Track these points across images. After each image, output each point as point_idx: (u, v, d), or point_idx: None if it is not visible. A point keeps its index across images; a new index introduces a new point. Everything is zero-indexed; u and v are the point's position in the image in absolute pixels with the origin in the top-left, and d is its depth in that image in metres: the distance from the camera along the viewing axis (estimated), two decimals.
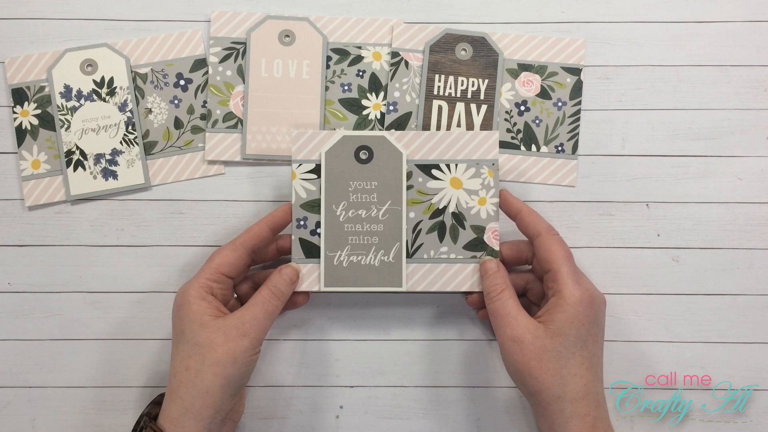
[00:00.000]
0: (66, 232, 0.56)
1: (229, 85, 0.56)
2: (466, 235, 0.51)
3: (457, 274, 0.51)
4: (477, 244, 0.51)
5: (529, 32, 0.57)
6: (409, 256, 0.51)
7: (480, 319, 0.56)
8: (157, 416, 0.47)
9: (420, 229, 0.51)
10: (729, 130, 0.57)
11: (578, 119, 0.57)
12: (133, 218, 0.56)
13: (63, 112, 0.56)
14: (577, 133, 0.56)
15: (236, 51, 0.56)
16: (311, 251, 0.51)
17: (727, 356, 0.56)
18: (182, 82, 0.56)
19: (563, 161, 0.56)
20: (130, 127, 0.56)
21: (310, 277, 0.51)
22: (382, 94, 0.57)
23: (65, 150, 0.55)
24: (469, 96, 0.56)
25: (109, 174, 0.56)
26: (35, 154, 0.56)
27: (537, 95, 0.57)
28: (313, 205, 0.51)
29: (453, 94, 0.56)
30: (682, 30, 0.57)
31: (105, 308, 0.56)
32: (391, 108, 0.56)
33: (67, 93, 0.56)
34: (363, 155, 0.51)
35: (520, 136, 0.56)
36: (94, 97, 0.56)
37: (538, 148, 0.56)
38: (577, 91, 0.57)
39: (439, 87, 0.56)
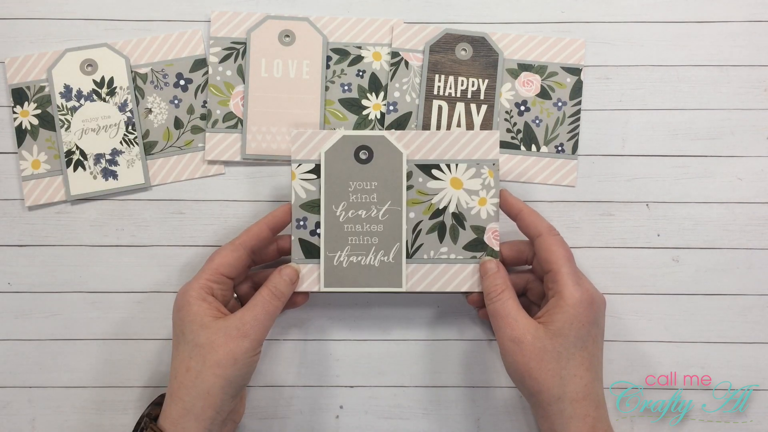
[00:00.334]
0: (66, 232, 0.56)
1: (229, 85, 0.56)
2: (466, 236, 0.51)
3: (457, 275, 0.51)
4: (477, 245, 0.51)
5: (529, 32, 0.57)
6: (409, 256, 0.51)
7: (480, 319, 0.56)
8: (158, 417, 0.47)
9: (420, 230, 0.51)
10: (729, 130, 0.57)
11: (578, 119, 0.57)
12: (133, 218, 0.56)
13: (63, 112, 0.56)
14: (577, 133, 0.56)
15: (236, 51, 0.56)
16: (311, 251, 0.51)
17: (727, 356, 0.56)
18: (182, 82, 0.56)
19: (563, 161, 0.56)
20: (130, 127, 0.56)
21: (310, 277, 0.51)
22: (382, 94, 0.57)
23: (65, 150, 0.55)
24: (469, 96, 0.56)
25: (109, 174, 0.56)
26: (35, 154, 0.56)
27: (537, 95, 0.57)
28: (312, 206, 0.51)
29: (453, 94, 0.56)
30: (682, 30, 0.57)
31: (105, 308, 0.56)
32: (391, 108, 0.56)
33: (67, 93, 0.56)
34: (363, 155, 0.51)
35: (520, 136, 0.56)
36: (94, 97, 0.56)
37: (538, 148, 0.56)
38: (577, 91, 0.57)
39: (439, 87, 0.56)
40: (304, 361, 0.56)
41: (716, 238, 0.56)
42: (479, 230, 0.51)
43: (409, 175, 0.51)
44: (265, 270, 0.53)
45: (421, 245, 0.51)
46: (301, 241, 0.51)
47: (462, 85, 0.56)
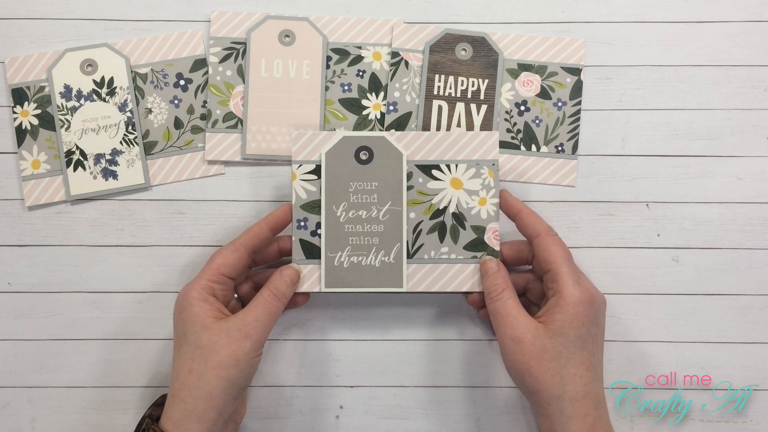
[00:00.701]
0: (66, 232, 0.56)
1: (229, 85, 0.56)
2: (467, 236, 0.51)
3: (457, 275, 0.51)
4: (477, 245, 0.51)
5: (529, 32, 0.57)
6: (409, 256, 0.51)
7: (480, 319, 0.56)
8: (159, 418, 0.47)
9: (420, 230, 0.51)
10: (729, 130, 0.57)
11: (578, 119, 0.57)
12: (133, 218, 0.56)
13: (63, 112, 0.56)
14: (577, 133, 0.56)
15: (236, 51, 0.56)
16: (312, 252, 0.51)
17: (727, 356, 0.56)
18: (182, 82, 0.56)
19: (563, 161, 0.56)
20: (130, 127, 0.56)
21: (311, 277, 0.51)
22: (382, 94, 0.57)
23: (65, 150, 0.55)
24: (469, 96, 0.56)
25: (109, 174, 0.56)
26: (35, 154, 0.56)
27: (537, 95, 0.57)
28: (313, 206, 0.51)
29: (453, 94, 0.56)
30: (682, 30, 0.57)
31: (105, 308, 0.56)
32: (391, 108, 0.56)
33: (67, 93, 0.56)
34: (363, 156, 0.51)
35: (520, 136, 0.56)
36: (94, 97, 0.56)
37: (538, 148, 0.56)
38: (577, 91, 0.57)
39: (439, 87, 0.56)
40: (304, 361, 0.56)
41: (716, 238, 0.56)
42: (479, 230, 0.51)
43: (410, 176, 0.51)
44: (266, 270, 0.53)
45: (421, 245, 0.51)
46: (302, 242, 0.51)
47: (462, 85, 0.56)
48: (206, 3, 0.57)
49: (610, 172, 0.57)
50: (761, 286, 0.56)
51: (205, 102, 0.56)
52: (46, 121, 0.56)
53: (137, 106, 0.56)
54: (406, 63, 0.56)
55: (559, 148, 0.56)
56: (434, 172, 0.51)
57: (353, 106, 0.56)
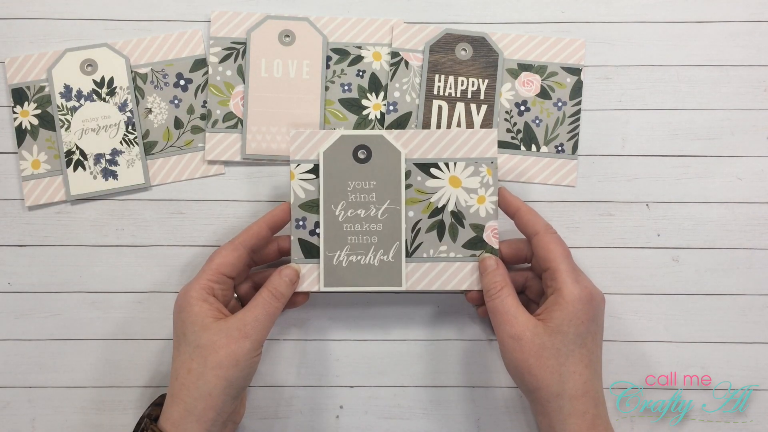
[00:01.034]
0: (66, 232, 0.56)
1: (229, 85, 0.56)
2: (466, 234, 0.51)
3: (456, 273, 0.51)
4: (476, 243, 0.51)
5: (529, 32, 0.57)
6: (408, 255, 0.51)
7: (479, 319, 0.56)
8: (158, 418, 0.47)
9: (419, 228, 0.51)
10: (729, 130, 0.57)
11: (578, 119, 0.57)
12: (133, 218, 0.56)
13: (63, 112, 0.56)
14: (577, 133, 0.56)
15: (236, 51, 0.56)
16: (310, 251, 0.51)
17: (727, 356, 0.56)
18: (182, 82, 0.56)
19: (563, 161, 0.56)
20: (130, 127, 0.56)
21: (310, 277, 0.51)
22: (382, 94, 0.57)
23: (65, 150, 0.55)
24: (469, 96, 0.56)
25: (109, 174, 0.56)
26: (35, 154, 0.56)
27: (537, 95, 0.57)
28: (311, 205, 0.51)
29: (453, 94, 0.56)
30: (682, 30, 0.57)
31: (105, 308, 0.56)
32: (391, 108, 0.56)
33: (67, 93, 0.56)
34: (361, 155, 0.51)
35: (520, 136, 0.56)
36: (94, 97, 0.56)
37: (538, 148, 0.56)
38: (577, 91, 0.57)
39: (439, 87, 0.56)
40: (304, 361, 0.56)
41: (716, 238, 0.56)
42: (478, 228, 0.51)
43: (408, 174, 0.51)
44: (266, 270, 0.53)
45: (420, 244, 0.51)
46: (301, 241, 0.51)
47: (462, 85, 0.56)
48: (206, 3, 0.57)
49: (610, 172, 0.57)
50: (761, 286, 0.56)
51: (205, 102, 0.56)
52: (46, 121, 0.56)
53: (137, 106, 0.56)
54: (406, 63, 0.56)
55: (559, 148, 0.56)
56: (433, 170, 0.51)
57: (353, 106, 0.56)
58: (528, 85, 0.57)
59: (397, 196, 0.51)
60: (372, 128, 0.56)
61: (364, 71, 0.57)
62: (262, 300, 0.48)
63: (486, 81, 0.56)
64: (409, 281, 0.51)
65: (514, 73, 0.57)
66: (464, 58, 0.56)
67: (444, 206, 0.51)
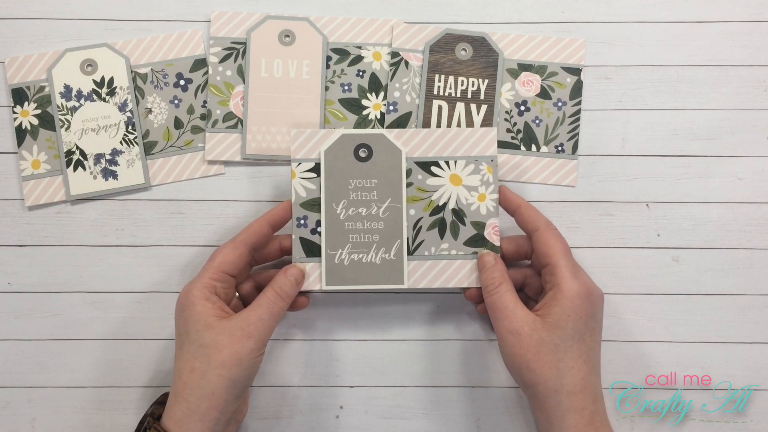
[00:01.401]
0: (66, 232, 0.56)
1: (229, 85, 0.56)
2: (467, 231, 0.51)
3: (458, 270, 0.51)
4: (477, 240, 0.51)
5: (529, 32, 0.57)
6: (410, 253, 0.51)
7: (479, 316, 0.56)
8: (161, 416, 0.47)
9: (420, 226, 0.51)
10: (729, 130, 0.57)
11: (578, 119, 0.57)
12: (133, 218, 0.56)
13: (63, 112, 0.56)
14: (577, 133, 0.56)
15: (236, 51, 0.56)
16: (312, 250, 0.51)
17: (727, 356, 0.56)
18: (182, 82, 0.56)
19: (563, 161, 0.56)
20: (130, 127, 0.56)
21: (312, 276, 0.51)
22: (382, 94, 0.57)
23: (65, 150, 0.55)
24: (469, 96, 0.56)
25: (109, 174, 0.56)
26: (35, 154, 0.56)
27: (537, 95, 0.57)
28: (313, 204, 0.51)
29: (453, 94, 0.56)
30: (682, 30, 0.57)
31: (105, 308, 0.56)
32: (391, 108, 0.56)
33: (67, 93, 0.56)
34: (362, 153, 0.51)
35: (520, 136, 0.56)
36: (94, 97, 0.56)
37: (538, 148, 0.56)
38: (577, 91, 0.57)
39: (439, 87, 0.56)
40: (303, 362, 0.56)
41: (716, 238, 0.56)
42: (479, 226, 0.51)
43: (409, 173, 0.51)
44: (268, 270, 0.53)
45: (421, 242, 0.51)
46: (302, 240, 0.51)
47: (462, 85, 0.56)
48: (206, 3, 0.57)
49: (610, 172, 0.57)
50: (761, 286, 0.56)
51: (205, 102, 0.56)
52: (46, 121, 0.56)
53: (137, 106, 0.56)
54: (406, 63, 0.56)
55: (559, 148, 0.56)
56: (433, 168, 0.51)
57: (353, 106, 0.56)
58: (528, 85, 0.57)
59: (398, 194, 0.51)
60: (372, 128, 0.56)
61: (364, 71, 0.57)
62: (266, 299, 0.48)
63: (486, 81, 0.56)
64: (410, 279, 0.51)
65: (514, 73, 0.57)
66: (464, 58, 0.56)
67: (445, 204, 0.51)
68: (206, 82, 0.56)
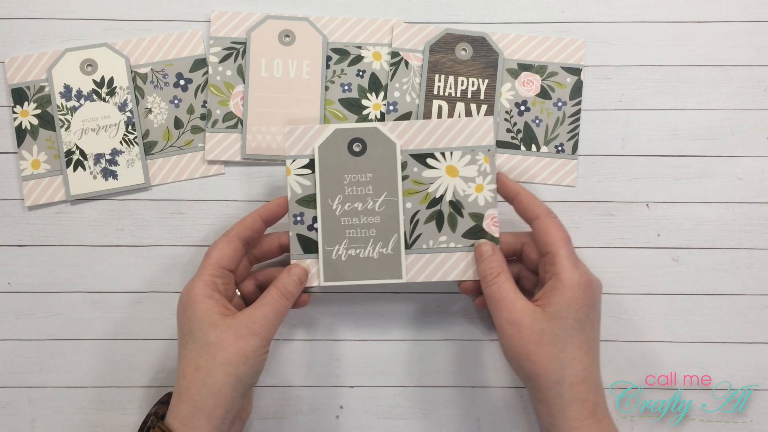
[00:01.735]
0: (66, 232, 0.56)
1: (229, 85, 0.56)
2: (465, 223, 0.51)
3: (457, 263, 0.51)
4: (476, 232, 0.51)
5: (529, 32, 0.57)
6: (407, 246, 0.51)
7: (476, 311, 0.56)
8: (164, 416, 0.47)
9: (418, 219, 0.51)
10: (729, 130, 0.57)
11: (578, 119, 0.57)
12: (133, 218, 0.56)
13: (63, 112, 0.56)
14: (577, 133, 0.56)
15: (236, 51, 0.56)
16: (309, 246, 0.51)
17: (727, 356, 0.56)
18: (182, 82, 0.56)
19: (563, 161, 0.56)
20: (130, 127, 0.56)
21: (310, 272, 0.51)
22: (382, 94, 0.57)
23: (65, 150, 0.55)
24: (469, 96, 0.56)
25: (109, 174, 0.56)
26: (35, 154, 0.56)
27: (537, 95, 0.57)
28: (308, 200, 0.51)
29: (453, 94, 0.56)
30: (682, 30, 0.57)
31: (105, 308, 0.56)
32: (391, 108, 0.56)
33: (67, 93, 0.56)
34: (356, 148, 0.51)
35: (520, 136, 0.56)
36: (94, 97, 0.56)
37: (538, 148, 0.56)
38: (577, 91, 0.57)
39: (439, 87, 0.56)
40: (304, 362, 0.56)
41: (716, 238, 0.56)
42: (478, 217, 0.51)
43: (404, 165, 0.51)
44: (269, 269, 0.53)
45: (419, 235, 0.51)
46: (299, 237, 0.51)
47: (462, 85, 0.56)
48: (206, 3, 0.57)
49: (610, 172, 0.57)
50: (761, 286, 0.56)
51: (205, 102, 0.56)
52: (46, 121, 0.56)
53: (137, 106, 0.56)
54: (406, 63, 0.56)
55: (559, 148, 0.56)
56: (429, 160, 0.51)
57: (353, 106, 0.56)
58: (528, 85, 0.57)
59: (393, 187, 0.51)
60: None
61: (364, 71, 0.57)
62: (270, 298, 0.48)
63: (486, 81, 0.56)
64: (409, 273, 0.51)
65: (514, 73, 0.57)
66: (464, 58, 0.56)
67: (442, 196, 0.51)
68: (206, 82, 0.56)
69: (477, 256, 0.50)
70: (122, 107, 0.56)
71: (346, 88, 0.57)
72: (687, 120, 0.57)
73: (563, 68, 0.57)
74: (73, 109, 0.56)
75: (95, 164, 0.56)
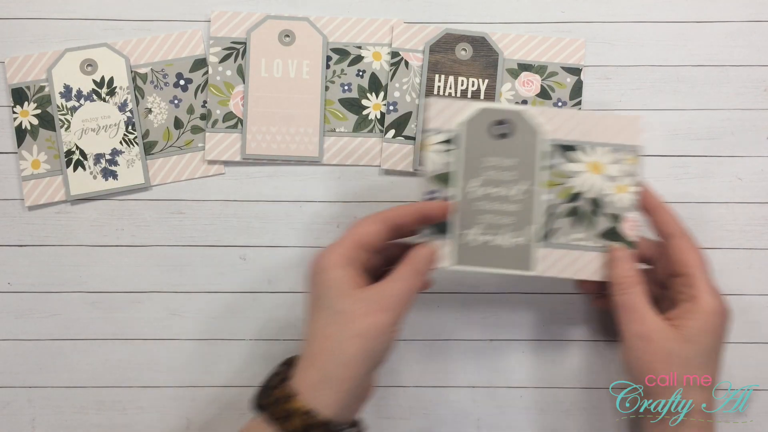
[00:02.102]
0: (66, 232, 0.56)
1: (229, 85, 0.56)
2: (602, 223, 0.48)
3: (590, 263, 0.48)
4: (613, 234, 0.49)
5: (529, 32, 0.57)
6: (542, 239, 0.48)
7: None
8: (287, 379, 0.44)
9: (554, 213, 0.48)
10: (729, 130, 0.57)
11: None
12: (133, 218, 0.56)
13: (63, 112, 0.56)
14: None
15: (236, 51, 0.56)
16: (441, 227, 0.48)
17: (727, 356, 0.55)
18: (182, 82, 0.56)
19: None
20: (130, 127, 0.56)
21: (439, 254, 0.48)
22: (382, 94, 0.57)
23: (65, 150, 0.55)
24: (469, 96, 0.56)
25: (109, 174, 0.56)
26: (35, 154, 0.56)
27: (537, 95, 0.57)
28: (445, 179, 0.48)
29: (453, 94, 0.56)
30: (682, 30, 0.57)
31: (105, 308, 0.56)
32: (391, 108, 0.56)
33: (66, 93, 0.56)
34: (501, 130, 0.48)
35: None
36: (94, 97, 0.56)
37: None
38: (577, 91, 0.57)
39: (439, 87, 0.56)
40: None
41: (716, 238, 0.56)
42: (616, 219, 0.49)
43: (547, 155, 0.48)
44: (398, 244, 0.50)
45: (554, 229, 0.48)
46: None
47: (462, 85, 0.56)
48: (206, 3, 0.57)
49: None
50: (761, 286, 0.56)
51: (205, 102, 0.56)
52: (46, 121, 0.56)
53: (137, 106, 0.56)
54: (406, 63, 0.56)
55: None
56: (573, 153, 0.48)
57: (353, 106, 0.56)
58: (528, 85, 0.57)
59: (534, 177, 0.48)
60: (371, 129, 0.56)
61: (364, 71, 0.57)
62: (402, 275, 0.45)
63: (486, 81, 0.56)
64: (540, 266, 0.48)
65: (514, 73, 0.57)
66: (464, 58, 0.56)
67: (582, 192, 0.48)
68: (206, 82, 0.56)
69: (611, 260, 0.48)
70: (122, 107, 0.56)
71: (346, 88, 0.57)
72: (687, 120, 0.57)
73: (563, 68, 0.57)
74: (73, 109, 0.56)
75: (95, 164, 0.56)
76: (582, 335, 0.56)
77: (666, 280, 0.49)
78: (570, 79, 0.57)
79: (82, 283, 0.56)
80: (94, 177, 0.56)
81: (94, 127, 0.56)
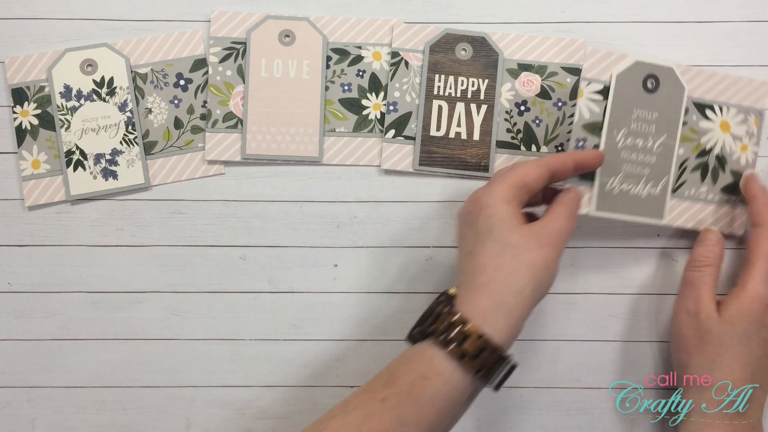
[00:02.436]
0: (66, 232, 0.56)
1: (229, 85, 0.56)
2: (725, 179, 0.53)
3: (711, 215, 0.53)
4: (734, 189, 0.53)
5: (529, 32, 0.57)
6: (672, 191, 0.52)
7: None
8: (453, 307, 0.44)
9: (686, 167, 0.53)
10: None
11: None
12: (133, 218, 0.56)
13: (63, 112, 0.56)
14: None
15: (236, 51, 0.56)
16: (585, 175, 0.51)
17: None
18: (182, 82, 0.56)
19: None
20: (130, 127, 0.56)
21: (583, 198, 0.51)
22: (382, 94, 0.57)
23: (65, 150, 0.55)
24: (469, 96, 0.56)
25: (109, 174, 0.56)
26: (35, 154, 0.56)
27: (537, 95, 0.57)
28: (594, 127, 0.51)
29: (453, 94, 0.56)
30: (682, 30, 0.57)
31: (105, 308, 0.56)
32: (391, 108, 0.56)
33: (67, 93, 0.56)
34: (650, 84, 0.51)
35: (520, 136, 0.56)
36: (94, 97, 0.56)
37: (538, 149, 0.56)
38: (577, 91, 0.57)
39: (439, 87, 0.56)
40: (304, 362, 0.56)
41: None
42: (737, 175, 0.53)
43: (686, 112, 0.52)
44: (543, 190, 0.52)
45: (684, 182, 0.53)
46: None
47: (462, 85, 0.56)
48: (206, 3, 0.57)
49: None
50: None
51: (205, 102, 0.56)
52: (46, 121, 0.56)
53: (137, 106, 0.56)
54: (406, 63, 0.56)
55: (559, 148, 0.56)
56: (707, 111, 0.53)
57: (353, 106, 0.56)
58: (528, 85, 0.57)
59: (674, 131, 0.52)
60: (372, 128, 0.56)
61: (364, 71, 0.57)
62: (560, 214, 0.47)
63: (486, 81, 0.56)
64: (669, 216, 0.52)
65: (514, 73, 0.57)
66: (464, 58, 0.56)
67: (711, 149, 0.53)
68: (206, 82, 0.56)
69: (700, 238, 0.52)
70: (122, 107, 0.56)
71: (346, 88, 0.57)
72: None
73: (563, 68, 0.57)
74: (73, 109, 0.56)
75: (95, 164, 0.56)
76: (582, 335, 0.56)
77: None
78: (570, 79, 0.57)
79: (82, 283, 0.56)
80: (94, 177, 0.56)
81: (94, 127, 0.56)
